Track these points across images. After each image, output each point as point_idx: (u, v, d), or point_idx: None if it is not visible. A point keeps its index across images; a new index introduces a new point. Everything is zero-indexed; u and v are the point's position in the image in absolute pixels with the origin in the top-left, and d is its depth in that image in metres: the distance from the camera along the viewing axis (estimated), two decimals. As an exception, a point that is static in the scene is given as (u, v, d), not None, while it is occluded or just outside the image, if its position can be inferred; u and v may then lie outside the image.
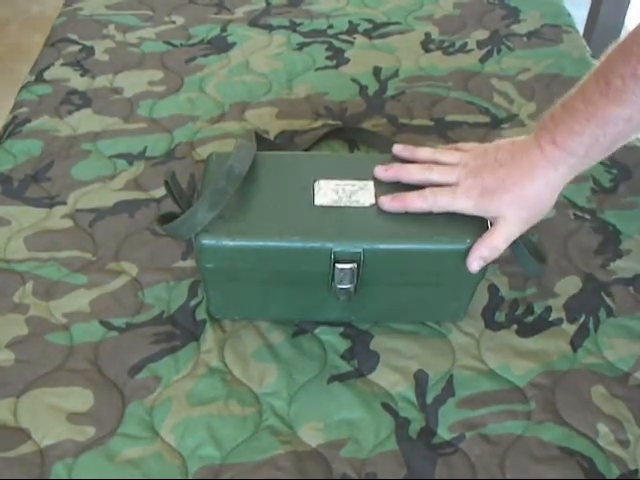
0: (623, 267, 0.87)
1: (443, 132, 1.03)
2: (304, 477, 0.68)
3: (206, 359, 0.77)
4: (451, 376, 0.76)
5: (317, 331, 0.80)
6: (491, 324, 0.81)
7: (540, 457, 0.70)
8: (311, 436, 0.71)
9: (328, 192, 0.74)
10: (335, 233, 0.71)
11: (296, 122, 1.05)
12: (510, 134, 1.02)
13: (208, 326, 0.80)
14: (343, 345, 0.79)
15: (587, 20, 1.85)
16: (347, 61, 1.17)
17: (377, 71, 1.15)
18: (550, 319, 0.82)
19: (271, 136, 1.02)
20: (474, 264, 0.71)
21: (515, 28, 1.25)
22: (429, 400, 0.74)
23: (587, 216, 0.93)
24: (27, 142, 1.01)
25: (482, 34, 1.23)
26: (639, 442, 0.71)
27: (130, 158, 0.99)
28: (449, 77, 1.14)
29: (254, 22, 1.25)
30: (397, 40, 1.21)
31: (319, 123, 1.05)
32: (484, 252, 0.71)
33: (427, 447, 0.71)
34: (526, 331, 0.80)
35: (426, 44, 1.21)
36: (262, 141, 0.89)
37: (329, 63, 1.16)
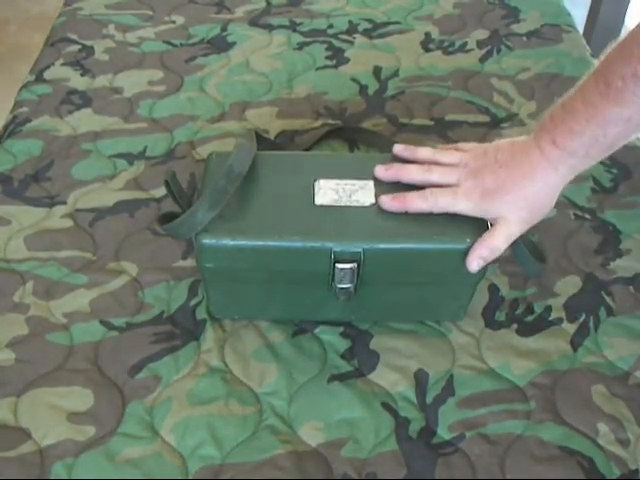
0: (623, 266, 0.87)
1: (443, 132, 1.03)
2: (304, 477, 0.68)
3: (206, 359, 0.77)
4: (451, 376, 0.76)
5: (317, 331, 0.80)
6: (491, 324, 0.81)
7: (540, 457, 0.70)
8: (311, 436, 0.71)
9: (328, 192, 0.74)
10: (335, 233, 0.71)
11: (296, 122, 1.05)
12: (510, 134, 1.02)
13: (208, 326, 0.80)
14: (343, 345, 0.79)
15: (587, 20, 1.85)
16: (347, 61, 1.17)
17: (377, 71, 1.15)
18: (550, 318, 0.82)
19: (271, 136, 1.02)
20: (473, 264, 0.71)
21: (515, 28, 1.25)
22: (429, 400, 0.74)
23: (587, 216, 0.93)
24: (27, 142, 1.01)
25: (482, 34, 1.23)
26: (639, 441, 0.71)
27: (130, 158, 0.99)
28: (449, 77, 1.14)
29: (254, 22, 1.25)
30: (397, 40, 1.21)
31: (319, 123, 1.05)
32: (484, 252, 0.71)
33: (427, 447, 0.71)
34: (526, 331, 0.80)
35: (426, 44, 1.21)
36: (262, 141, 0.89)
37: (329, 63, 1.16)
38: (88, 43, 1.19)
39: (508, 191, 0.71)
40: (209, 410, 0.73)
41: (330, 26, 1.24)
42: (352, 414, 0.73)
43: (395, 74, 1.14)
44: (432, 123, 1.05)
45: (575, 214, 0.93)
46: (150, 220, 0.90)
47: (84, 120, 1.04)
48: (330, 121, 1.05)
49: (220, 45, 1.19)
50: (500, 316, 0.82)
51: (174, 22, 1.24)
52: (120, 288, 0.83)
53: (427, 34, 1.23)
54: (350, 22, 1.25)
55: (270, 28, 1.23)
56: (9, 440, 0.70)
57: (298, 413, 0.73)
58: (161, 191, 0.93)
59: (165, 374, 0.75)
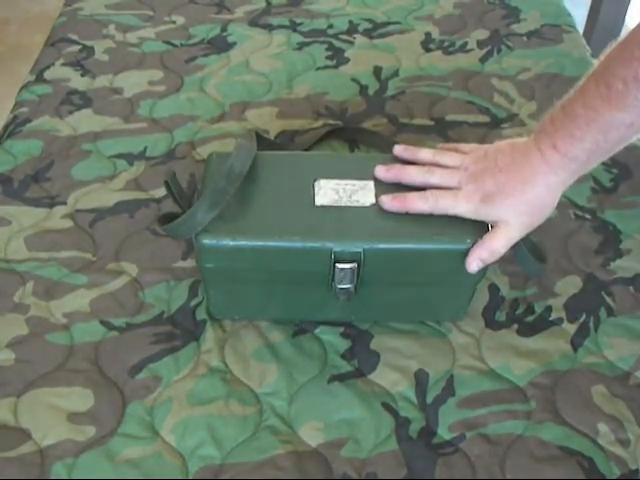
0: (623, 267, 0.87)
1: (443, 132, 1.03)
2: (304, 477, 0.68)
3: (206, 359, 0.77)
4: (451, 376, 0.76)
5: (317, 331, 0.80)
6: (491, 324, 0.81)
7: (540, 457, 0.70)
8: (311, 436, 0.71)
9: (328, 192, 0.74)
10: (335, 233, 0.71)
11: (296, 122, 1.05)
12: (510, 134, 1.02)
13: (208, 326, 0.80)
14: (343, 345, 0.79)
15: (587, 20, 1.85)
16: (347, 61, 1.17)
17: (377, 71, 1.14)
18: (550, 319, 0.82)
19: (271, 136, 1.02)
20: (473, 264, 0.71)
21: (515, 28, 1.25)
22: (429, 400, 0.74)
23: (587, 216, 0.93)
24: (27, 142, 1.01)
25: (482, 34, 1.23)
26: (639, 442, 0.71)
27: (130, 158, 0.99)
28: (449, 77, 1.14)
29: (254, 22, 1.25)
30: (397, 40, 1.21)
31: (319, 123, 1.05)
32: (484, 254, 0.71)
33: (427, 447, 0.71)
34: (526, 331, 0.80)
35: (426, 44, 1.21)
36: (262, 141, 0.89)
37: (329, 63, 1.16)
38: (88, 43, 1.19)
39: (508, 195, 0.71)
40: (209, 410, 0.73)
41: (330, 26, 1.24)
42: (352, 414, 0.73)
43: (395, 74, 1.14)
44: (432, 123, 1.05)
45: (575, 214, 0.93)
46: (150, 220, 0.90)
47: (84, 120, 1.04)
48: (330, 121, 1.05)
49: (220, 45, 1.19)
50: (500, 316, 0.82)
51: (174, 22, 1.24)
52: (120, 288, 0.83)
53: (427, 34, 1.23)
54: (350, 22, 1.25)
55: (270, 28, 1.23)
56: (9, 440, 0.70)
57: (298, 413, 0.73)
58: (161, 191, 0.93)
59: (165, 374, 0.75)
